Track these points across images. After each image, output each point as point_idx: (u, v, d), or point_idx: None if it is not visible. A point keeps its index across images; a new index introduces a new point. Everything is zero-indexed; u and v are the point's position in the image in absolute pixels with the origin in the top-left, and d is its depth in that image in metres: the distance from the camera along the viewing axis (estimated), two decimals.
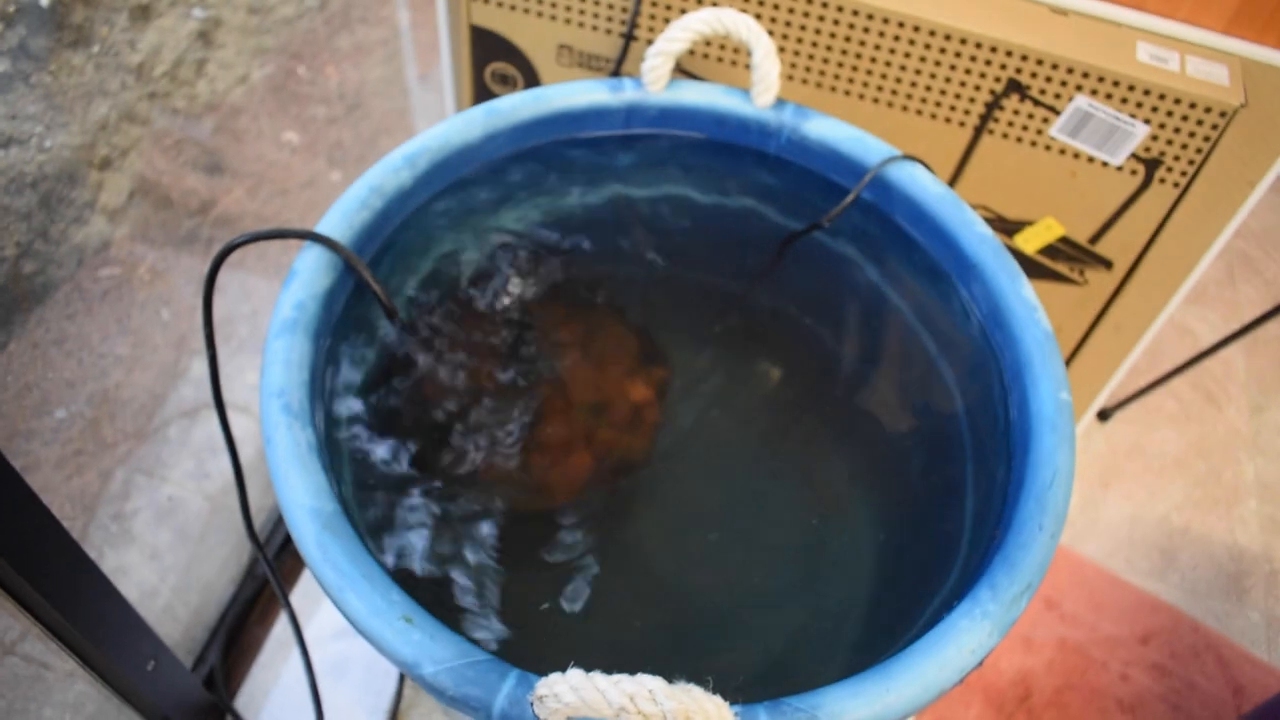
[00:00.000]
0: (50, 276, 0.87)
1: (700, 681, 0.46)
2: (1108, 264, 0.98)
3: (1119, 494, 1.23)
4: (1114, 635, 1.09)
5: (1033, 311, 0.66)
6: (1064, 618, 1.10)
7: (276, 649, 0.97)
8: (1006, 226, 0.98)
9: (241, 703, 0.94)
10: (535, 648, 0.60)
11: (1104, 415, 1.28)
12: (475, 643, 0.51)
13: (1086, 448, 1.27)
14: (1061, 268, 1.00)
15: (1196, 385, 1.36)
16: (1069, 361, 1.09)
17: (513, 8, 0.95)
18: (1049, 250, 0.99)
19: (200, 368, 1.01)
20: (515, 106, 0.74)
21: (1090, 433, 1.28)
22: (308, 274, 0.63)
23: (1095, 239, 0.96)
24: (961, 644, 0.52)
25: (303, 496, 0.54)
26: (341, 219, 0.66)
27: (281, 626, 0.99)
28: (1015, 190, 0.95)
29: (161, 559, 0.96)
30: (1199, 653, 1.09)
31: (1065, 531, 1.18)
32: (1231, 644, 1.11)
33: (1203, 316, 1.44)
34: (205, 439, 1.03)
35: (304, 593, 1.02)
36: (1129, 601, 1.12)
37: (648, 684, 0.45)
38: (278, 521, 1.06)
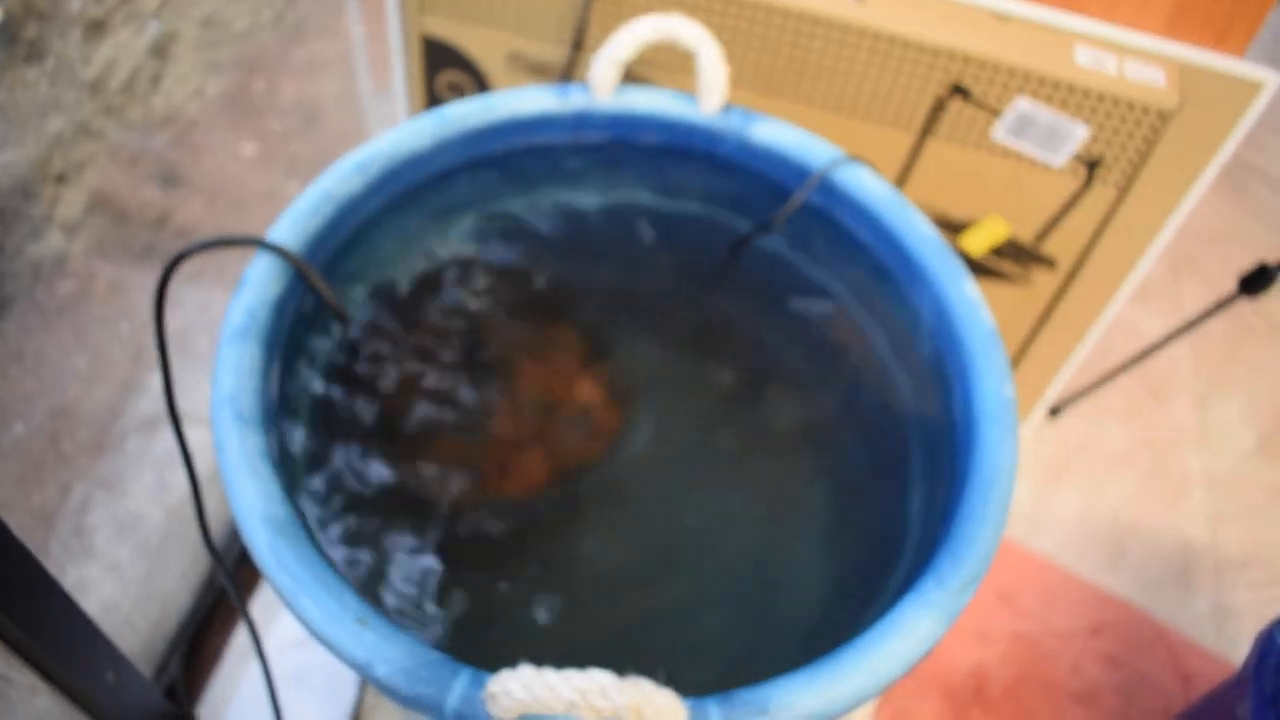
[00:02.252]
0: (6, 292, 0.87)
1: (652, 676, 0.47)
2: (1052, 263, 1.00)
3: (1069, 489, 1.26)
4: (1066, 628, 1.11)
5: (976, 309, 0.68)
6: (1017, 612, 1.11)
7: (238, 658, 0.98)
8: (953, 227, 1.00)
9: (204, 712, 0.94)
10: (491, 649, 0.60)
11: (1054, 412, 1.31)
12: (431, 644, 0.51)
13: (1037, 445, 1.29)
14: (1007, 268, 1.02)
15: (1143, 382, 1.39)
16: (1017, 360, 1.12)
17: (463, 17, 0.96)
18: (995, 250, 1.01)
19: (158, 382, 1.01)
20: (464, 114, 0.75)
21: (1040, 430, 1.30)
22: (259, 281, 0.63)
23: (1039, 239, 0.98)
24: (908, 634, 0.53)
25: (255, 502, 0.54)
26: (292, 226, 0.66)
27: (243, 636, 0.99)
28: (961, 192, 0.97)
29: (121, 572, 0.96)
30: (1149, 643, 1.11)
31: (1017, 527, 1.20)
32: (1180, 634, 1.13)
33: (1149, 315, 1.46)
34: (165, 452, 1.03)
35: (264, 602, 1.02)
36: (1080, 595, 1.14)
37: (599, 679, 0.45)
38: (237, 532, 1.06)
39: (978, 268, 1.03)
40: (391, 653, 0.50)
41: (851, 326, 0.77)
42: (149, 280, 1.00)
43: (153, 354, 1.00)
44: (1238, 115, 0.88)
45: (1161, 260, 1.56)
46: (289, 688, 0.95)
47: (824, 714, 0.50)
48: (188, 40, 1.05)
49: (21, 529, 0.83)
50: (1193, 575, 1.20)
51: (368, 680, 0.50)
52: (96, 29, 0.92)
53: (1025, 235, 0.99)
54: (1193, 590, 1.19)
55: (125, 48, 0.97)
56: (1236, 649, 1.13)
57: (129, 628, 0.93)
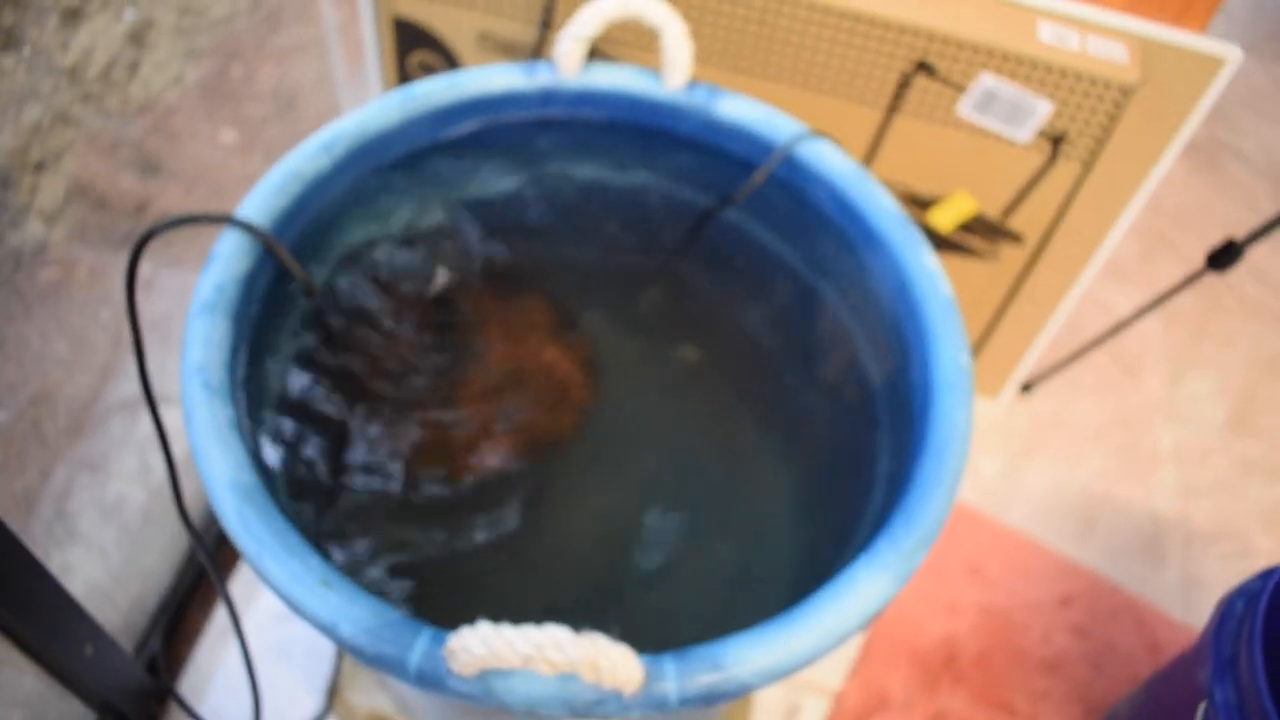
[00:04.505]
0: None
1: (609, 633, 0.48)
2: (1019, 239, 1.02)
3: (1040, 464, 1.27)
4: (1036, 599, 1.13)
5: (934, 280, 0.69)
6: (987, 583, 1.13)
7: (219, 634, 0.99)
8: (921, 203, 1.01)
9: (185, 687, 0.95)
10: (456, 615, 0.62)
11: (1027, 388, 1.32)
12: (395, 606, 0.53)
13: (1009, 420, 1.30)
14: (975, 243, 1.03)
15: (1116, 358, 1.40)
16: (987, 336, 1.13)
17: None
18: (963, 226, 1.02)
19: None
20: (431, 91, 0.76)
21: (1013, 404, 1.32)
22: (227, 257, 0.64)
23: (1006, 214, 1.00)
24: (861, 593, 0.54)
25: (222, 470, 0.55)
26: (260, 204, 0.68)
27: (222, 613, 1.01)
28: (928, 168, 0.98)
29: (104, 552, 0.97)
30: (1117, 614, 1.13)
31: (988, 501, 1.22)
32: (1149, 605, 1.15)
33: (1121, 292, 1.48)
34: (146, 434, 1.04)
35: (244, 579, 1.03)
36: (1050, 567, 1.16)
37: (554, 634, 0.47)
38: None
39: (946, 244, 1.04)
40: (355, 613, 0.51)
41: (816, 297, 0.78)
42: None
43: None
44: (1200, 91, 0.89)
45: (1134, 238, 1.57)
46: (269, 662, 0.96)
47: (778, 669, 0.51)
48: (165, 27, 1.06)
49: (3, 513, 0.84)
50: (1163, 548, 1.22)
51: (333, 640, 0.52)
52: (73, 16, 0.93)
53: (992, 211, 1.00)
54: (1162, 563, 1.20)
55: (102, 35, 0.98)
56: (1204, 620, 1.15)
57: (110, 604, 0.95)
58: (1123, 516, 1.23)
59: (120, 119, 1.03)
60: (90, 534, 0.97)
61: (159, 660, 0.95)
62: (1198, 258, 1.07)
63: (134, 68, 1.04)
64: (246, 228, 0.65)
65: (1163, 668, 0.95)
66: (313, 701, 0.95)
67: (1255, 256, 1.57)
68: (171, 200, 1.09)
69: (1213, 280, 1.52)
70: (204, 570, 1.02)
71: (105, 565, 0.96)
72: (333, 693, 0.94)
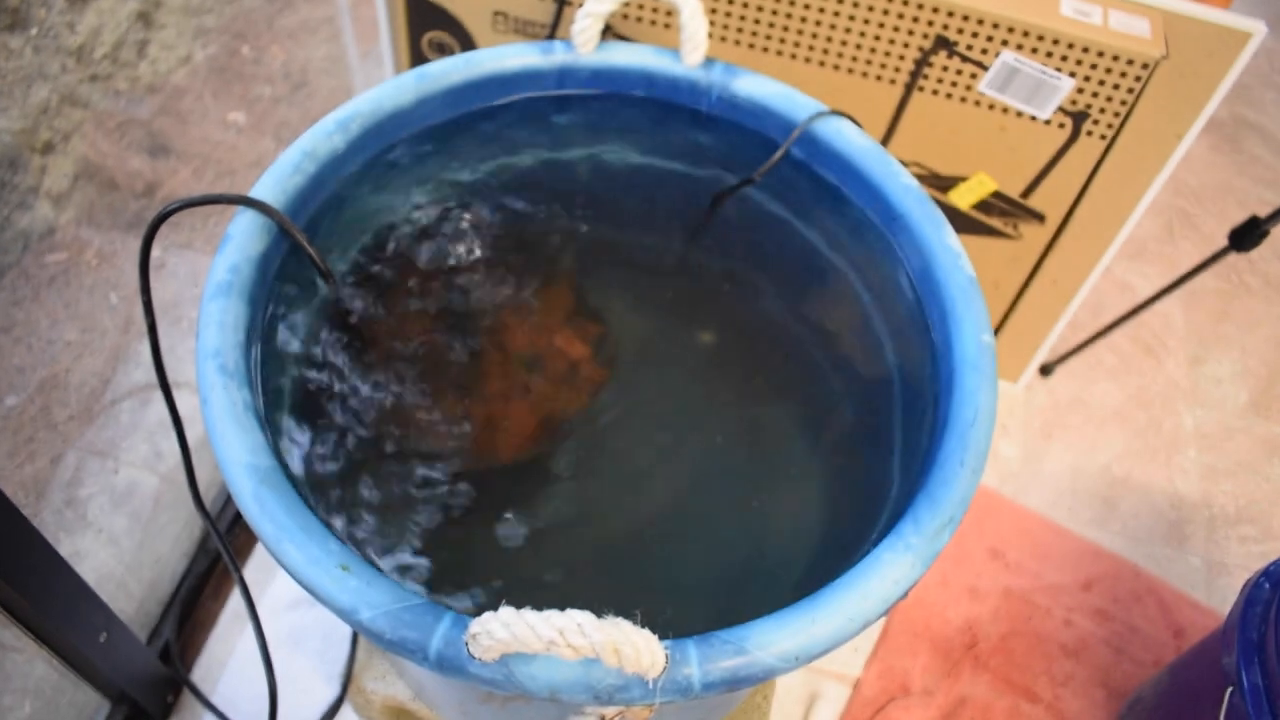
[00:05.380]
0: None
1: (631, 617, 0.47)
2: (1040, 217, 1.00)
3: (1061, 446, 1.26)
4: (1057, 582, 1.11)
5: (956, 258, 0.68)
6: (1008, 567, 1.12)
7: (232, 621, 0.98)
8: (940, 183, 1.00)
9: (198, 675, 0.95)
10: (477, 596, 0.61)
11: (1046, 370, 1.31)
12: (414, 590, 0.52)
13: (1029, 401, 1.29)
14: (995, 222, 1.02)
15: (1136, 339, 1.39)
16: (1008, 314, 1.12)
17: None
18: (983, 205, 1.01)
19: (150, 349, 1.01)
20: (446, 70, 0.75)
21: (1033, 386, 1.31)
22: (241, 238, 0.63)
23: (1027, 193, 0.98)
24: (885, 576, 0.53)
25: (239, 453, 0.55)
26: (274, 184, 0.67)
27: (236, 599, 1.00)
28: (948, 146, 0.97)
29: (115, 538, 0.96)
30: (1140, 597, 1.12)
31: (1009, 484, 1.21)
32: (1172, 588, 1.14)
33: (1142, 273, 1.46)
34: (158, 419, 1.03)
35: (258, 565, 1.03)
36: (1072, 550, 1.15)
37: (576, 618, 0.46)
38: (230, 497, 1.06)
39: (968, 223, 1.03)
40: (375, 597, 0.50)
41: (835, 277, 0.77)
42: (137, 249, 1.01)
43: (142, 323, 1.01)
44: (1225, 65, 0.88)
45: (1155, 218, 1.56)
46: (283, 649, 0.96)
47: (802, 653, 0.50)
48: (174, 6, 1.05)
49: (13, 499, 0.84)
50: (1185, 531, 1.20)
51: (352, 625, 0.51)
52: None
53: (1012, 189, 0.98)
54: (1185, 545, 1.19)
55: (110, 14, 0.97)
56: (1228, 604, 1.14)
57: (123, 592, 0.94)
58: (1144, 499, 1.22)
59: (129, 99, 1.02)
60: (101, 521, 0.96)
61: (172, 648, 0.94)
62: (1219, 237, 1.05)
63: (142, 47, 1.04)
64: (261, 208, 0.64)
65: (1187, 652, 0.94)
66: (328, 689, 0.95)
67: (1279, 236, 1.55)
68: (180, 182, 1.08)
69: (1235, 260, 1.51)
70: (217, 558, 1.02)
71: (117, 552, 0.96)
72: (348, 680, 0.94)
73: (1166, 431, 1.30)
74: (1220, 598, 1.15)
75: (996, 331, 1.16)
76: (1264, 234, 1.03)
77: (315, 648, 0.96)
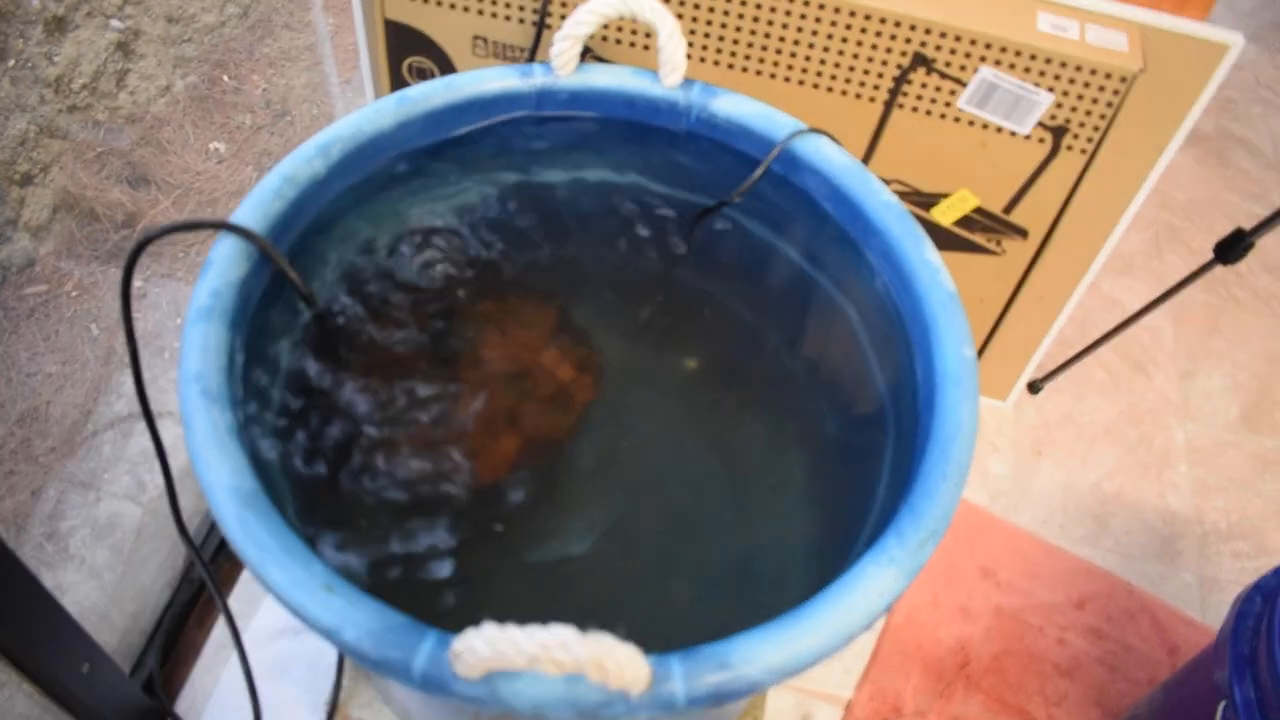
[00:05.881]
0: None
1: (616, 633, 0.47)
2: (1024, 233, 1.00)
3: (1051, 463, 1.26)
4: (1050, 601, 1.11)
5: (936, 273, 0.68)
6: (1000, 586, 1.11)
7: (216, 652, 0.97)
8: (923, 200, 1.00)
9: (182, 706, 0.94)
10: (462, 614, 0.60)
11: (1034, 387, 1.31)
12: (399, 610, 0.51)
13: (1018, 419, 1.29)
14: (979, 238, 1.02)
15: (1126, 355, 1.39)
16: (994, 331, 1.12)
17: (425, 1, 0.96)
18: (966, 221, 1.01)
19: (131, 380, 1.01)
20: (427, 94, 0.75)
21: (1021, 404, 1.30)
22: (222, 263, 0.63)
23: (1009, 208, 0.98)
24: (869, 590, 0.53)
25: (222, 476, 0.54)
26: (255, 208, 0.66)
27: (221, 629, 0.99)
28: (929, 163, 0.97)
29: (97, 570, 0.95)
30: (1134, 615, 1.11)
31: (999, 502, 1.20)
32: (1166, 605, 1.13)
33: (1130, 288, 1.46)
34: (140, 450, 1.03)
35: (242, 594, 1.02)
36: (1064, 567, 1.14)
37: (561, 634, 0.46)
38: (213, 526, 1.05)
39: (951, 240, 1.03)
40: (358, 617, 0.50)
41: (817, 294, 0.77)
42: (118, 281, 1.00)
43: (124, 354, 1.00)
44: (1203, 78, 0.88)
45: (1141, 232, 1.56)
46: (268, 679, 0.95)
47: (787, 668, 0.50)
48: (153, 36, 1.05)
49: None
50: (1178, 547, 1.20)
51: (336, 645, 0.50)
52: (58, 26, 0.92)
53: (995, 205, 0.99)
54: (1178, 562, 1.19)
55: (89, 45, 0.97)
56: (1222, 620, 1.13)
57: (106, 623, 0.93)
58: (1136, 515, 1.22)
59: (108, 130, 1.02)
60: (84, 552, 0.95)
61: (156, 679, 0.93)
62: (1207, 251, 1.05)
63: (121, 77, 1.04)
64: (242, 232, 0.64)
65: (1180, 668, 0.93)
66: (313, 718, 0.94)
67: (1268, 248, 1.56)
68: (161, 212, 1.08)
69: (1224, 274, 1.51)
70: (200, 588, 1.01)
71: (99, 584, 0.95)
72: (334, 709, 0.93)
73: (1157, 447, 1.30)
74: (1214, 614, 1.14)
75: (983, 348, 1.16)
76: (1249, 246, 1.03)
77: (300, 677, 0.95)
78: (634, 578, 0.66)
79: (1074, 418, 1.30)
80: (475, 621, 0.48)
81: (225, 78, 1.18)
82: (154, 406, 0.65)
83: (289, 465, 0.63)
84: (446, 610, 0.61)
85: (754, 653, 0.50)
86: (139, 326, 0.93)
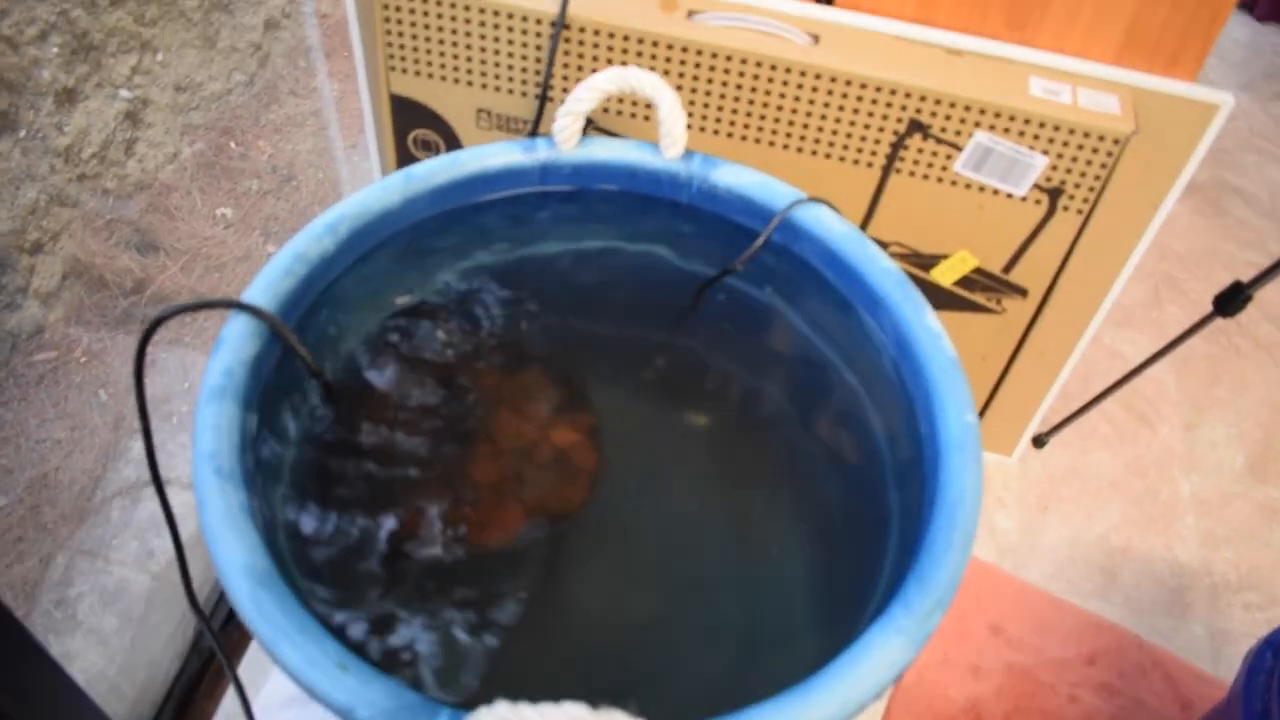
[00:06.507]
0: None
1: (627, 707, 0.47)
2: (1023, 292, 1.01)
3: (1058, 518, 1.26)
4: (1060, 657, 1.10)
5: (937, 339, 0.69)
6: (1010, 643, 1.11)
7: None
8: (922, 261, 1.01)
9: None
10: (473, 690, 0.61)
11: (1039, 442, 1.31)
12: (412, 687, 0.52)
13: (1024, 473, 1.29)
14: (979, 298, 1.03)
15: (1129, 407, 1.39)
16: (997, 388, 1.12)
17: (430, 76, 0.97)
18: (966, 282, 1.02)
19: (140, 447, 1.01)
20: (432, 171, 0.76)
21: (1027, 458, 1.31)
22: (234, 341, 0.64)
23: (1008, 268, 0.99)
24: (877, 660, 0.53)
25: (236, 555, 0.55)
26: (266, 287, 0.67)
27: (231, 699, 0.99)
28: (927, 226, 0.98)
29: (106, 639, 0.96)
30: (1146, 670, 1.11)
31: (1006, 557, 1.20)
32: (1177, 659, 1.13)
33: (1131, 340, 1.47)
34: (149, 518, 1.03)
35: (251, 663, 1.02)
36: (1073, 623, 1.14)
37: (572, 712, 0.46)
38: (222, 595, 1.06)
39: (951, 300, 1.04)
40: (372, 696, 0.50)
41: (820, 361, 0.78)
42: (127, 347, 1.01)
43: (133, 420, 1.01)
44: (1195, 137, 0.90)
45: (1142, 284, 1.57)
46: None
47: None
48: (161, 105, 1.07)
49: (3, 600, 0.83)
50: (1187, 599, 1.20)
51: None
52: (68, 97, 0.94)
53: (994, 265, 1.00)
54: (1188, 615, 1.18)
55: (98, 115, 0.99)
56: (1235, 673, 1.13)
57: (115, 694, 0.93)
58: (1145, 569, 1.22)
59: (117, 198, 1.04)
60: (92, 621, 0.96)
61: None
62: (1206, 301, 1.06)
63: (130, 146, 1.05)
64: (254, 311, 0.65)
65: None
66: None
67: (1267, 297, 1.56)
68: (169, 278, 1.09)
69: (1224, 323, 1.52)
70: (210, 657, 1.01)
71: (108, 653, 0.95)
72: None
73: (1164, 499, 1.30)
74: (1227, 667, 1.14)
75: (986, 405, 1.16)
76: (1247, 299, 1.04)
77: None
78: (643, 647, 0.66)
79: (1079, 471, 1.31)
80: (487, 697, 0.48)
81: (232, 144, 1.20)
82: (163, 473, 0.66)
83: (299, 539, 0.64)
84: (457, 683, 0.61)
85: None
86: (147, 392, 0.94)
